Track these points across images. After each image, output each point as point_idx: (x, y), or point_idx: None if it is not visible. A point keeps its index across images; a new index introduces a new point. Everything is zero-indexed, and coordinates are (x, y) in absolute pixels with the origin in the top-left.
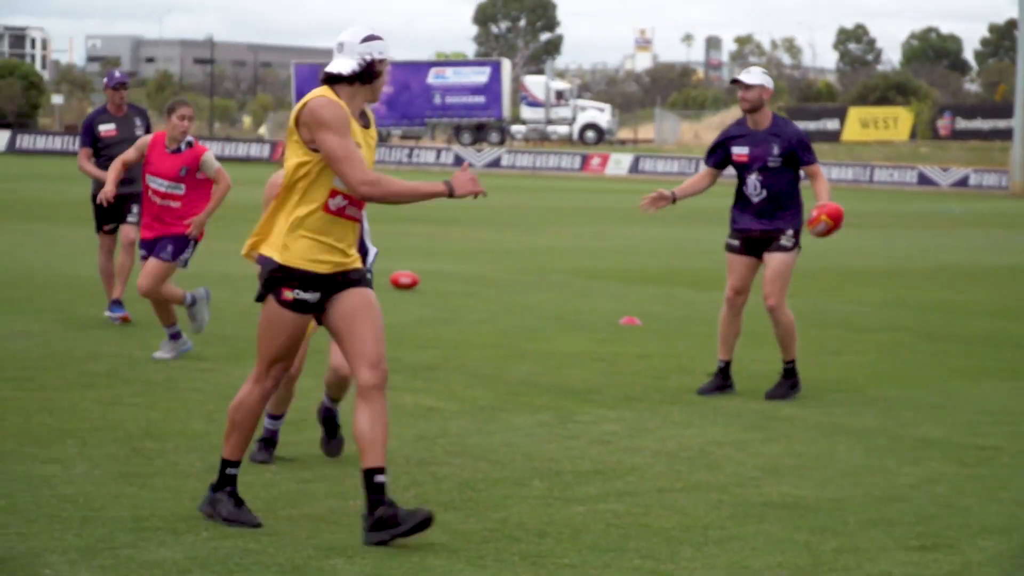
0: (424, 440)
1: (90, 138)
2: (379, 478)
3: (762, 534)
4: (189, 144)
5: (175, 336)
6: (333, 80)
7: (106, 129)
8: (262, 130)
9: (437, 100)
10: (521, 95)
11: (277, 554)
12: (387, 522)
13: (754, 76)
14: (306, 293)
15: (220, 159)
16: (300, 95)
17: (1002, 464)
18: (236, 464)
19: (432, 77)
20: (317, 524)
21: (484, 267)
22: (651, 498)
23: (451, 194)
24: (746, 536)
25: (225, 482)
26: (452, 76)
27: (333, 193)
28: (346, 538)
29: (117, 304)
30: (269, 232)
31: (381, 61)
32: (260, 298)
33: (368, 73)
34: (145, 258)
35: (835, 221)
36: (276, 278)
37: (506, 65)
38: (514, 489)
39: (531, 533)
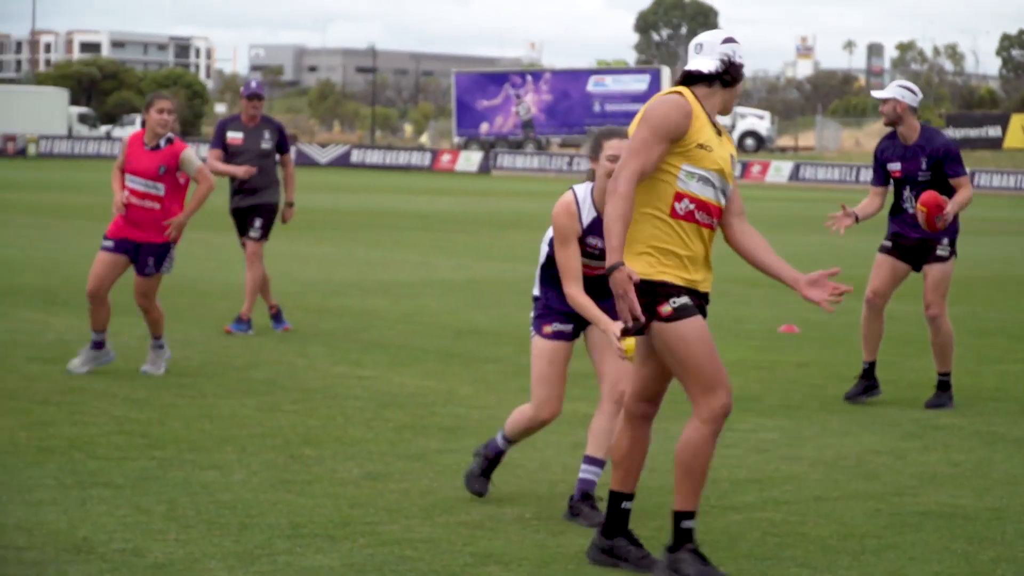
0: (581, 448)
1: (221, 142)
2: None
3: (919, 543)
4: (169, 141)
5: (97, 345)
6: (691, 79)
7: (233, 136)
8: (423, 138)
9: (596, 108)
10: None
11: (433, 561)
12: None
13: (887, 90)
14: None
15: (381, 168)
16: (460, 104)
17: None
18: (691, 516)
19: (592, 85)
20: (474, 531)
21: None
22: (808, 507)
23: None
24: (903, 545)
25: (682, 538)
26: (611, 84)
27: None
28: (502, 545)
29: (275, 319)
30: None
31: (742, 65)
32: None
33: (729, 74)
34: (109, 250)
35: (927, 207)
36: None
37: (665, 72)
38: (671, 497)
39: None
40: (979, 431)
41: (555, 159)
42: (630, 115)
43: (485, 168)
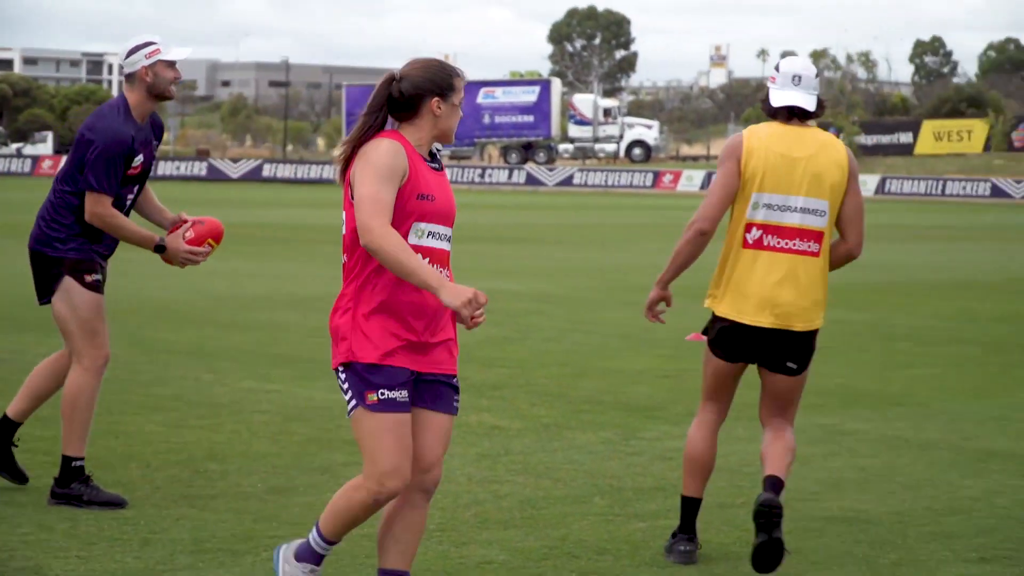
0: (487, 459)
1: None
2: None
3: (822, 548)
4: None
5: None
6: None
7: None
8: (336, 152)
9: (486, 120)
10: (569, 113)
11: (337, 574)
12: None
13: None
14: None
15: (293, 182)
16: (350, 116)
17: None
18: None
19: (482, 97)
20: (375, 544)
21: (553, 285)
22: (712, 514)
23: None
24: (806, 551)
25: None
26: (502, 96)
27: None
28: None
29: None
30: None
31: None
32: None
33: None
34: None
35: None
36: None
37: (556, 84)
38: (575, 506)
39: (590, 550)
40: (884, 436)
41: (468, 170)
42: (520, 127)
43: None
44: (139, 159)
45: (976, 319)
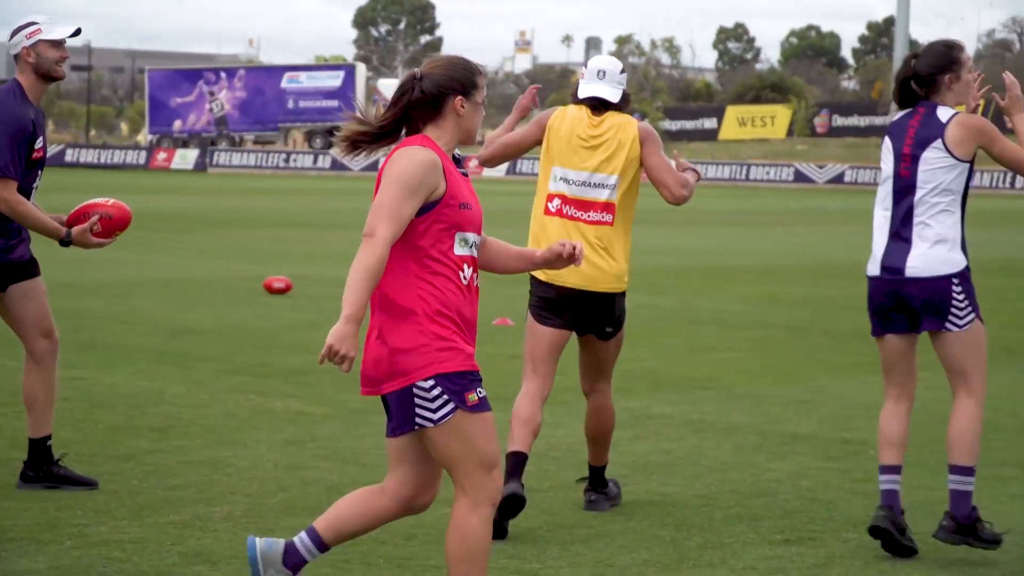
0: (293, 445)
1: None
2: None
3: (628, 531)
4: None
5: None
6: None
7: None
8: (140, 137)
9: (291, 104)
10: (374, 98)
11: (141, 561)
12: None
13: None
14: None
15: (96, 167)
16: (153, 101)
17: (868, 457)
18: None
19: (286, 82)
20: (182, 531)
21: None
22: None
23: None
24: (612, 534)
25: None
26: (306, 81)
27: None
28: (211, 544)
29: None
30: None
31: None
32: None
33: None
34: None
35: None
36: None
37: (360, 69)
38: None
39: (397, 536)
40: (690, 420)
41: (272, 156)
42: (324, 111)
43: (201, 166)
44: (40, 142)
45: (780, 303)
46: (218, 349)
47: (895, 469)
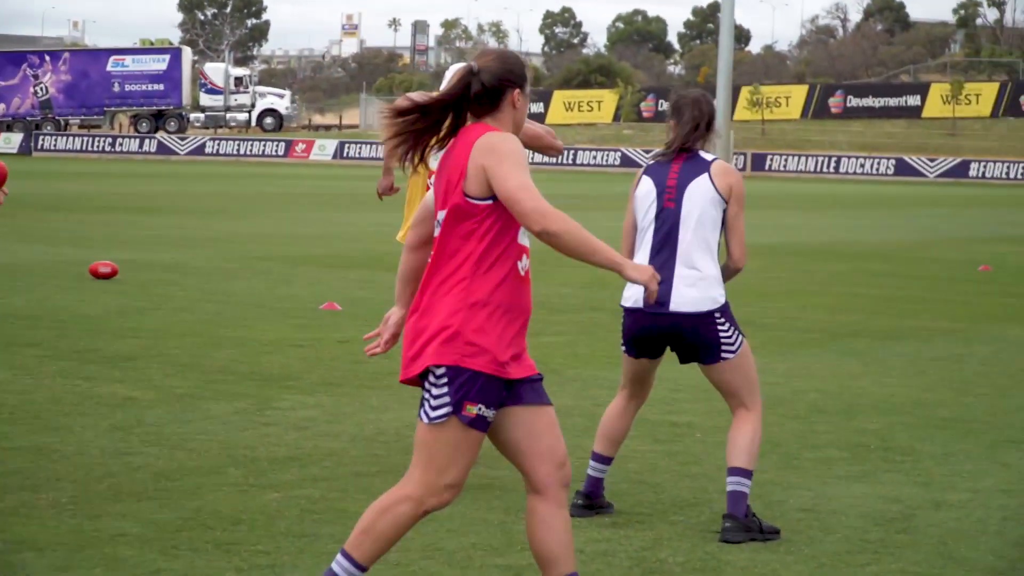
0: (120, 430)
1: None
2: None
3: (457, 516)
4: None
5: None
6: None
7: None
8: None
9: (116, 88)
10: (200, 82)
11: None
12: None
13: None
14: None
15: None
16: None
17: (695, 440)
18: None
19: (111, 65)
20: (7, 518)
21: (186, 255)
22: (348, 483)
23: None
24: (441, 518)
25: None
26: (132, 64)
27: None
28: (37, 531)
29: None
30: None
31: None
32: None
33: None
34: None
35: None
36: None
37: (186, 53)
38: (209, 477)
39: (225, 521)
40: None
41: (98, 139)
42: (150, 95)
43: (26, 150)
44: None
45: (607, 286)
46: (43, 334)
47: (607, 460)
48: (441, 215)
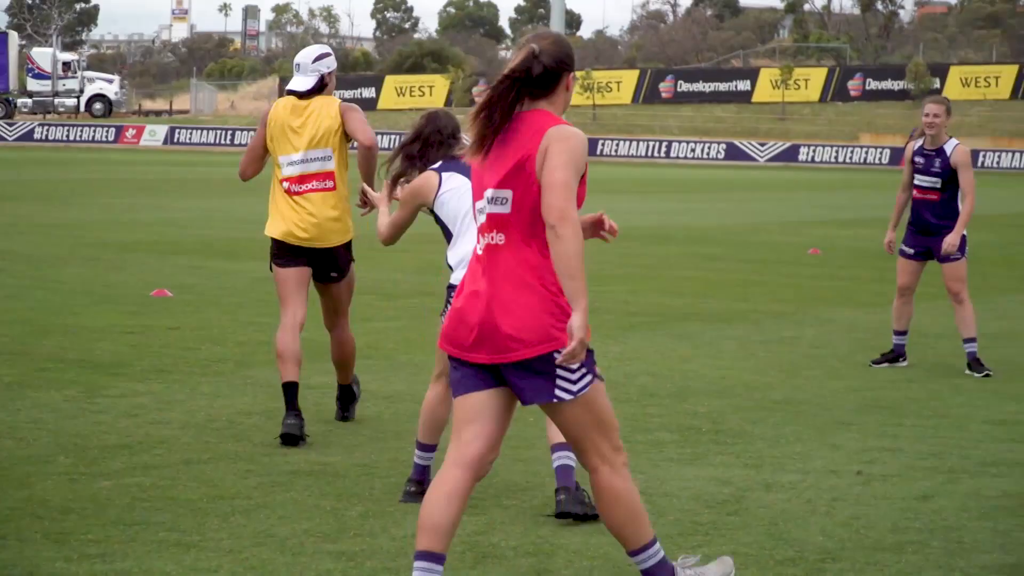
0: None
1: None
2: None
3: (289, 502)
4: None
5: None
6: None
7: None
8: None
9: None
10: (27, 67)
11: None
12: None
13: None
14: None
15: None
16: None
17: (527, 424)
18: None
19: None
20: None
21: (13, 242)
22: (178, 470)
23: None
24: (273, 504)
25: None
26: None
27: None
28: None
29: None
30: None
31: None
32: None
33: None
34: None
35: None
36: None
37: (13, 37)
38: (38, 466)
39: (55, 510)
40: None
41: None
42: None
43: None
44: None
45: (439, 271)
46: None
47: (432, 448)
48: (492, 194)
